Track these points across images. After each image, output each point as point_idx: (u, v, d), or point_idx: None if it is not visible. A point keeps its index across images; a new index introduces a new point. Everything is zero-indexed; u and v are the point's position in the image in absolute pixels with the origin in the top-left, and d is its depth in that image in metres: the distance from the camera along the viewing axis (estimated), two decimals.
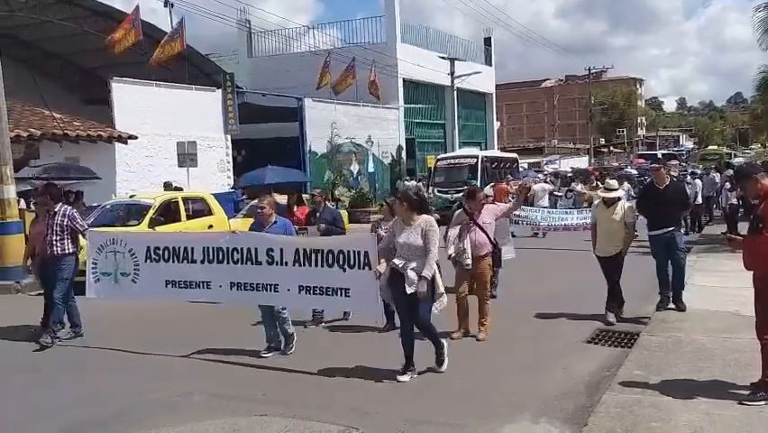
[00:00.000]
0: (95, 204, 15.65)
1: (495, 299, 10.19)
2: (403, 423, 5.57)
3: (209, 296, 7.80)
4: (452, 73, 34.53)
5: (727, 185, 20.02)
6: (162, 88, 20.70)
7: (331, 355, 7.62)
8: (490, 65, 42.91)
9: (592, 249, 9.06)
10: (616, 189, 9.18)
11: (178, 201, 14.46)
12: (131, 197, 15.45)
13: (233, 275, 7.42)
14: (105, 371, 7.25)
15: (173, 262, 7.77)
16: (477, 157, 28.81)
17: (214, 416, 5.78)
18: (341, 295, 6.94)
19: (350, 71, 29.81)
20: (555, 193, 23.37)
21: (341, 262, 6.83)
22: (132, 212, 14.08)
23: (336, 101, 28.64)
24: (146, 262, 7.91)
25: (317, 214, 9.41)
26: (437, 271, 6.54)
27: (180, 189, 16.97)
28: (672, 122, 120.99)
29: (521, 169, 33.43)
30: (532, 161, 49.60)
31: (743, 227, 13.46)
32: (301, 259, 7.05)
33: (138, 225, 13.37)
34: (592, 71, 62.22)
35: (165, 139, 19.75)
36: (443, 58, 34.12)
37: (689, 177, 22.61)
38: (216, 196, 16.39)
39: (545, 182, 24.75)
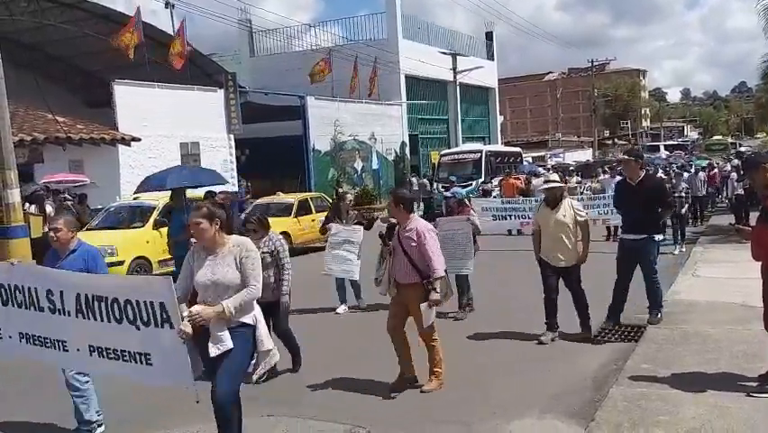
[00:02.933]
0: (99, 206, 15.70)
1: (462, 321, 8.96)
2: (410, 422, 5.56)
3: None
4: (454, 68, 34.47)
5: (734, 175, 19.93)
6: (164, 90, 20.70)
7: (335, 356, 7.61)
8: (492, 59, 42.81)
9: (535, 255, 7.86)
10: (556, 181, 8.11)
11: None
12: (134, 199, 15.49)
13: (20, 323, 5.35)
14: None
15: None
16: (481, 152, 28.85)
17: None
18: (141, 362, 4.77)
19: (356, 70, 29.83)
20: None
21: (131, 317, 4.71)
22: (137, 214, 14.11)
23: (339, 99, 28.62)
24: None
25: None
26: (258, 319, 4.62)
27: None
28: (676, 113, 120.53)
29: (525, 163, 33.31)
30: (536, 154, 49.49)
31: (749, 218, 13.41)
32: (84, 308, 4.92)
33: (142, 227, 13.42)
34: (595, 64, 61.99)
35: (168, 140, 19.76)
36: (444, 53, 34.05)
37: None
38: None
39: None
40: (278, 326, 6.79)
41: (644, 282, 7.84)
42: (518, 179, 23.70)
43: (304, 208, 17.15)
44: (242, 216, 10.54)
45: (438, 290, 6.02)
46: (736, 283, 9.25)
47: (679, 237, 14.14)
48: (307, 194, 19.76)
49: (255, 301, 4.66)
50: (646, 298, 7.98)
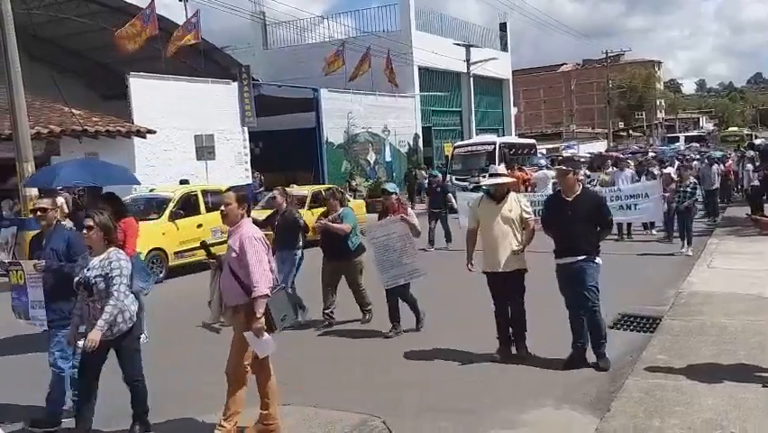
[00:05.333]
0: None
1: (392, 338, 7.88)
2: (424, 411, 5.58)
3: None
4: (467, 60, 34.32)
5: (750, 166, 19.76)
6: (179, 82, 20.78)
7: (349, 349, 7.65)
8: (506, 51, 42.62)
9: (467, 263, 6.91)
10: (504, 175, 7.01)
11: (197, 194, 14.58)
12: (150, 191, 15.61)
13: None
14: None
15: None
16: (494, 144, 28.68)
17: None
18: None
19: (365, 60, 29.77)
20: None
21: None
22: (153, 206, 14.22)
23: (352, 91, 28.61)
24: None
25: (43, 239, 5.85)
26: None
27: (187, 182, 17.26)
28: (691, 104, 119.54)
29: (539, 154, 33.08)
30: (550, 146, 49.27)
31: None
32: None
33: (158, 218, 13.52)
34: (610, 55, 61.58)
35: (183, 133, 19.84)
36: (458, 45, 33.92)
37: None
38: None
39: (548, 168, 22.75)
40: (126, 370, 5.25)
41: (585, 315, 6.45)
42: (522, 170, 23.13)
43: (317, 201, 17.20)
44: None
45: (258, 313, 4.89)
46: (752, 274, 9.21)
47: (685, 235, 13.18)
48: (321, 186, 19.79)
49: None
50: (588, 333, 6.53)
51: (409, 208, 8.32)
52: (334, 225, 8.30)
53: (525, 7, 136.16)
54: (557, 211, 6.61)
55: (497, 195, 6.80)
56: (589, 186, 17.09)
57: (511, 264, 6.69)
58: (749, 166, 19.81)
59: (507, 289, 6.79)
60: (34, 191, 13.11)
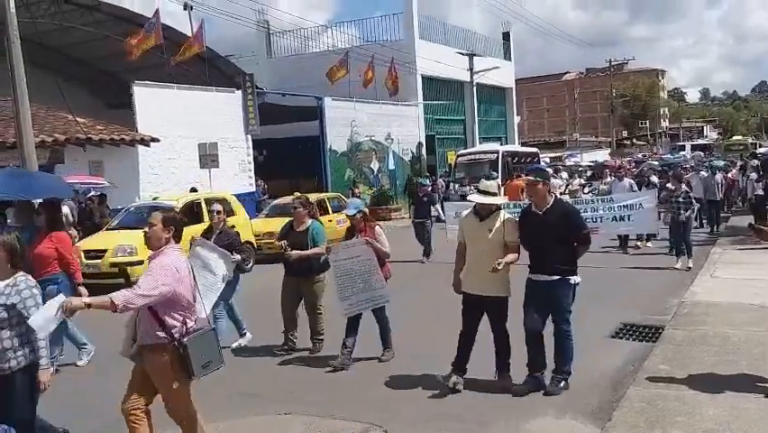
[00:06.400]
0: (119, 207, 15.88)
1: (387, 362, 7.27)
2: (426, 421, 5.59)
3: None
4: (471, 69, 34.41)
5: (753, 175, 19.71)
6: (183, 91, 20.86)
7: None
8: (509, 59, 42.71)
9: (453, 281, 6.33)
10: (493, 194, 6.31)
11: (200, 202, 14.62)
12: (154, 199, 15.66)
13: None
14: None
15: None
16: (497, 152, 28.68)
17: (239, 414, 5.85)
18: None
19: (370, 68, 29.83)
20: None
21: None
22: None
23: (356, 99, 28.67)
24: None
25: None
26: None
27: (195, 190, 17.29)
28: (695, 113, 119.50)
29: (542, 163, 33.02)
30: (553, 155, 49.28)
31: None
32: None
33: None
34: (613, 63, 61.67)
35: (187, 141, 19.91)
36: (461, 54, 34.02)
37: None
38: (238, 196, 16.54)
39: (552, 177, 22.05)
40: (11, 412, 4.43)
41: (554, 336, 6.17)
42: (520, 176, 22.87)
43: (320, 209, 17.17)
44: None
45: (90, 301, 4.25)
46: (756, 284, 9.22)
47: (683, 249, 12.56)
48: (324, 194, 19.84)
49: None
50: (554, 356, 6.18)
51: (377, 228, 7.48)
52: (312, 251, 7.56)
53: (528, 16, 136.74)
54: (528, 226, 6.10)
55: (482, 212, 6.20)
56: (588, 195, 16.89)
57: (488, 289, 6.08)
58: (753, 175, 19.75)
59: (488, 314, 6.24)
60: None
